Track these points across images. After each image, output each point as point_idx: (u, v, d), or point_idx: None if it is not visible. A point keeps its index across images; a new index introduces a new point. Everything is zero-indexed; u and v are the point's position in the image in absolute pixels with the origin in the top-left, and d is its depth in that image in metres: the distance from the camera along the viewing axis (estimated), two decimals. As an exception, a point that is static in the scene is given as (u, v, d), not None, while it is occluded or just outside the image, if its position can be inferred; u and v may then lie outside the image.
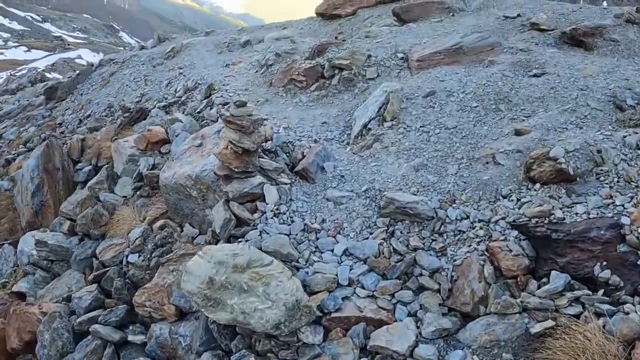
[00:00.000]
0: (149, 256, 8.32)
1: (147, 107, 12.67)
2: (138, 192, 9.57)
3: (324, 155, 7.94)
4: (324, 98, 9.96)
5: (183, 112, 11.59)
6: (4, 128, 16.55)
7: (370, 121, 8.55)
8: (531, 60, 9.43)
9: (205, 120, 10.27)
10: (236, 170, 7.34)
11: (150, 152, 10.41)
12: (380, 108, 8.64)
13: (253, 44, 14.32)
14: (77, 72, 16.76)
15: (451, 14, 12.49)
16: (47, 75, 23.25)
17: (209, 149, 8.46)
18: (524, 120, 7.89)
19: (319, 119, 9.34)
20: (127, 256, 8.41)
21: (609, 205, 6.24)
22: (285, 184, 7.57)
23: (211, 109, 10.65)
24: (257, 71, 12.07)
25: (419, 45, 10.51)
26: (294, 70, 10.80)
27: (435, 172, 7.35)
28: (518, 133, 7.55)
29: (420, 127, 8.12)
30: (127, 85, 14.50)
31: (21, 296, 9.48)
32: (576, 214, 6.33)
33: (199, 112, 10.88)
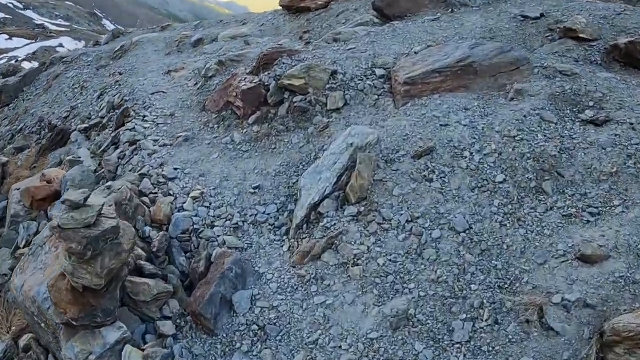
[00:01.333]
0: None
1: (71, 127, 8.59)
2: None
3: (236, 277, 3.88)
4: (264, 139, 5.74)
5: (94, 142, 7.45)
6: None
7: (323, 200, 4.43)
8: (580, 92, 5.22)
9: (102, 170, 6.12)
10: (74, 321, 3.37)
11: (37, 211, 6.36)
12: (340, 176, 4.49)
13: (205, 44, 9.83)
14: (24, 72, 12.32)
15: (449, 9, 8.00)
16: (24, 65, 18.51)
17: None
18: (589, 222, 3.80)
19: (251, 180, 5.18)
20: (-17, 386, 4.69)
21: None
22: (166, 336, 3.61)
23: (116, 148, 6.48)
24: (196, 83, 7.73)
25: (408, 57, 6.19)
26: (231, 90, 6.50)
27: (428, 335, 3.34)
28: (585, 259, 3.51)
29: (406, 223, 4.01)
30: (64, 92, 10.22)
31: None
32: None
33: (103, 151, 6.69)
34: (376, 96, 5.75)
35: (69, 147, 8.16)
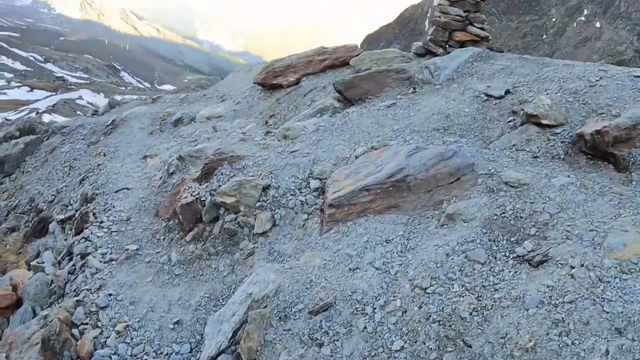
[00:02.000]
0: None
1: (52, 215, 9.06)
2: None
3: None
4: (196, 262, 5.53)
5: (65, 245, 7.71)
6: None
7: (219, 354, 4.11)
8: (523, 214, 4.47)
9: (53, 286, 6.25)
10: None
11: (1, 318, 6.67)
12: (237, 331, 4.15)
13: (183, 124, 9.97)
14: (26, 142, 13.18)
15: (412, 88, 7.43)
16: (43, 119, 19.80)
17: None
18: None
19: (173, 312, 4.99)
20: None
21: None
22: None
23: (70, 259, 6.62)
24: (161, 177, 7.78)
25: (346, 165, 5.73)
26: (178, 198, 6.42)
27: None
28: None
29: (289, 402, 3.60)
30: (56, 170, 10.83)
31: None
32: None
33: (59, 262, 6.87)
34: (306, 215, 5.35)
35: (46, 239, 8.55)
